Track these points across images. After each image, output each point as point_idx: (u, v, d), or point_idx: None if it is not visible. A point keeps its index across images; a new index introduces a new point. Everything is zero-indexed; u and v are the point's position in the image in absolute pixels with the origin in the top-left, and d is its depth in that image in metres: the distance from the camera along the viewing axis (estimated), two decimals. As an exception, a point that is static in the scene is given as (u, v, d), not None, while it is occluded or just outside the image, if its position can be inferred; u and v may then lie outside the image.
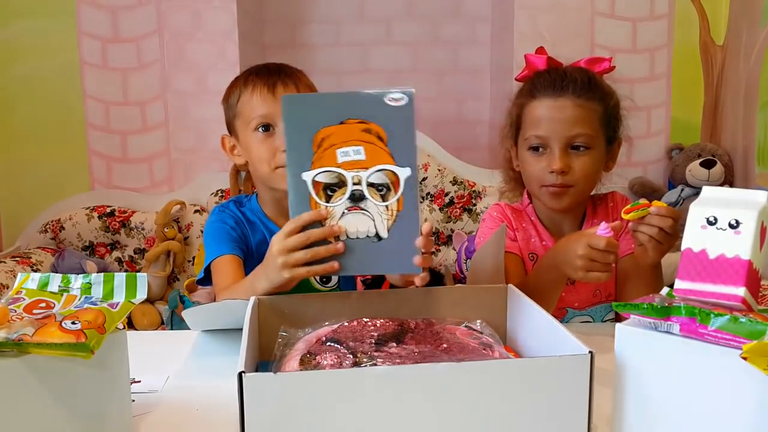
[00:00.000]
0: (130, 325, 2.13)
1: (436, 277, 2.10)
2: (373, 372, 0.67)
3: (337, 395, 0.64)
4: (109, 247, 2.37)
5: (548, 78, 1.20)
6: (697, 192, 2.19)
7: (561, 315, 1.25)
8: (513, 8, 2.33)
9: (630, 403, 0.68)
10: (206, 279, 1.25)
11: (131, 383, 0.79)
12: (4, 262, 2.08)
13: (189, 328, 1.11)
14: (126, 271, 2.31)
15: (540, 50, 1.28)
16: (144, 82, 2.39)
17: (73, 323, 0.65)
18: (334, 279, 1.24)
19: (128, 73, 2.39)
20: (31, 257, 2.18)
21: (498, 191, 1.40)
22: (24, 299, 0.71)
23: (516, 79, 1.30)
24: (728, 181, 2.29)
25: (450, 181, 2.37)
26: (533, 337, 0.85)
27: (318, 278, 1.21)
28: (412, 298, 0.91)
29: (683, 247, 0.68)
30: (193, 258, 2.33)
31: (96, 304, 0.71)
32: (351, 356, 0.72)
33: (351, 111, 0.88)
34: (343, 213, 0.88)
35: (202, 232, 2.25)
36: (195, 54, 2.37)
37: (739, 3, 2.29)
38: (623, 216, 0.98)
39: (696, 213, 0.68)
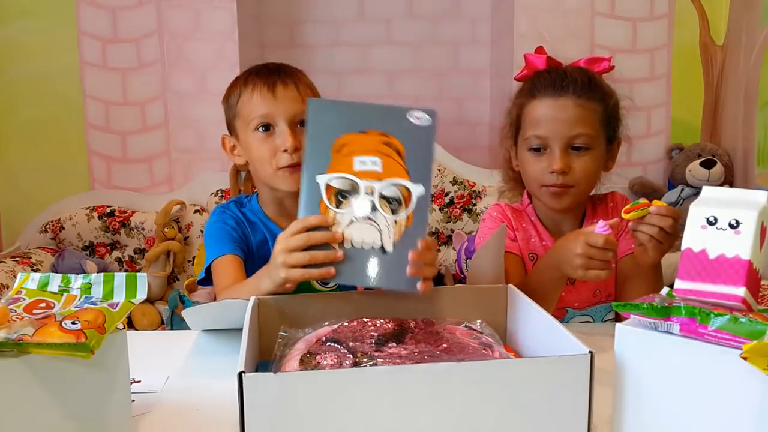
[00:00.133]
0: (130, 325, 2.14)
1: (436, 277, 2.10)
2: (373, 372, 0.67)
3: (337, 395, 0.64)
4: (109, 247, 2.37)
5: (548, 78, 1.20)
6: (697, 192, 2.19)
7: (561, 315, 1.25)
8: (513, 8, 2.33)
9: (630, 403, 0.68)
10: (207, 279, 1.25)
11: (131, 383, 0.79)
12: (4, 262, 2.08)
13: (189, 328, 1.11)
14: (126, 271, 2.31)
15: (539, 50, 1.28)
16: (144, 82, 2.39)
17: (73, 323, 0.65)
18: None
19: (128, 73, 2.39)
20: (31, 257, 2.18)
21: (497, 191, 1.40)
22: (24, 299, 0.71)
23: (515, 79, 1.30)
24: (728, 181, 2.29)
25: (450, 181, 2.38)
26: (533, 337, 0.85)
27: (318, 281, 1.21)
28: (412, 298, 0.90)
29: (683, 247, 0.68)
30: (193, 258, 2.34)
31: (96, 304, 0.71)
32: (351, 356, 0.72)
33: (374, 122, 0.89)
34: (351, 221, 0.88)
35: (202, 232, 2.25)
36: (195, 54, 2.37)
37: (739, 3, 2.29)
38: (623, 216, 0.98)
39: (696, 213, 0.68)
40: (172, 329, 2.07)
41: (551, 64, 1.23)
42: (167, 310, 2.13)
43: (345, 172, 0.88)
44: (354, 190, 0.88)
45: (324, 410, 0.64)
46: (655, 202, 0.99)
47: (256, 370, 0.73)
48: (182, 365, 1.00)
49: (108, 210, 2.36)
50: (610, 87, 1.23)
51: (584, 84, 1.18)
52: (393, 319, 0.81)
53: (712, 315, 0.62)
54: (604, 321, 1.27)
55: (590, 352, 0.66)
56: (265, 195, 1.30)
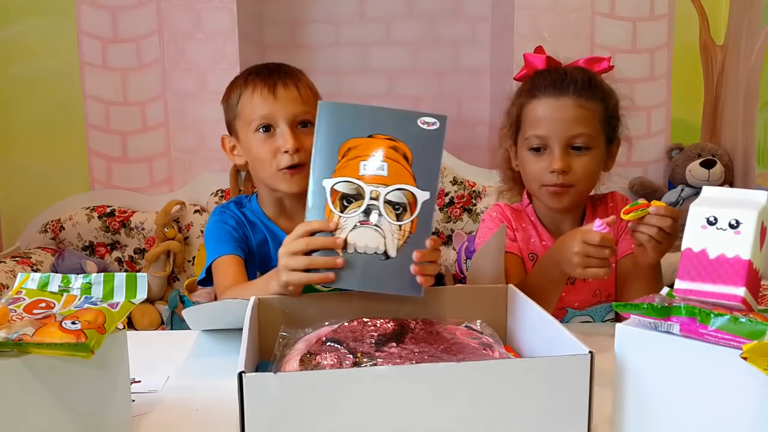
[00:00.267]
0: (130, 325, 2.14)
1: (436, 277, 2.10)
2: (373, 372, 0.67)
3: (337, 395, 0.64)
4: (109, 247, 2.37)
5: (549, 78, 1.20)
6: (697, 192, 2.19)
7: (561, 315, 1.25)
8: (513, 8, 2.34)
9: (630, 403, 0.68)
10: (207, 279, 1.25)
11: (131, 383, 0.79)
12: (4, 262, 2.08)
13: (189, 328, 1.11)
14: (126, 271, 2.31)
15: (538, 49, 1.28)
16: (144, 82, 2.39)
17: (73, 323, 0.65)
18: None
19: (128, 73, 2.39)
20: (31, 257, 2.18)
21: (496, 191, 1.40)
22: (24, 299, 0.71)
23: (515, 79, 1.29)
24: (728, 181, 2.29)
25: (450, 181, 2.38)
26: (533, 337, 0.85)
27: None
28: (412, 298, 0.90)
29: (683, 247, 0.68)
30: (193, 258, 2.34)
31: (96, 304, 0.71)
32: (351, 356, 0.72)
33: (382, 126, 0.88)
34: (355, 226, 0.87)
35: (202, 232, 2.25)
36: (195, 54, 2.37)
37: (739, 3, 2.29)
38: (623, 216, 0.98)
39: (696, 213, 0.68)
40: (172, 329, 2.07)
41: (551, 63, 1.23)
42: (167, 310, 2.13)
43: (350, 176, 0.87)
44: (359, 194, 0.87)
45: (324, 410, 0.64)
46: (655, 202, 0.99)
47: (256, 370, 0.73)
48: (182, 365, 0.99)
49: (108, 210, 2.36)
50: (610, 87, 1.23)
51: (584, 84, 1.18)
52: (393, 319, 0.81)
53: (712, 315, 0.62)
54: (604, 321, 1.27)
55: (590, 352, 0.66)
56: (265, 195, 1.30)
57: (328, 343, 0.75)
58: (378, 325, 0.79)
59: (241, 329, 0.76)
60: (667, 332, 0.65)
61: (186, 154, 2.43)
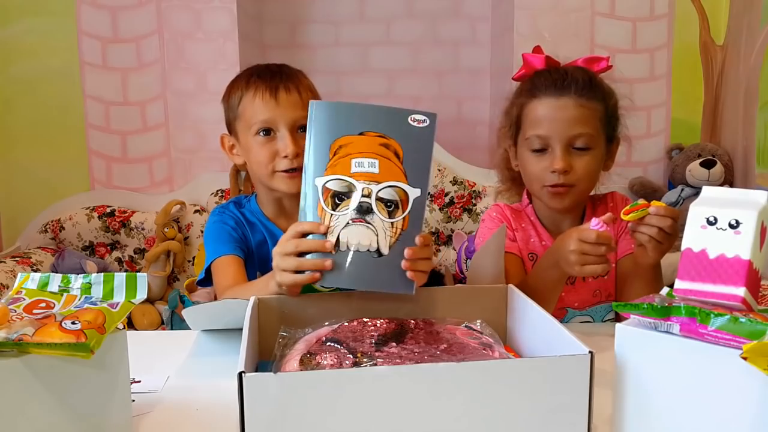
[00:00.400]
0: (130, 325, 2.14)
1: (436, 277, 2.10)
2: (373, 372, 0.67)
3: (337, 395, 0.64)
4: (109, 247, 2.37)
5: (549, 77, 1.20)
6: (697, 192, 2.19)
7: (561, 315, 1.25)
8: (513, 8, 2.34)
9: (630, 403, 0.68)
10: (207, 280, 1.25)
11: (131, 383, 0.79)
12: (4, 262, 2.08)
13: (189, 328, 1.11)
14: (126, 271, 2.31)
15: (537, 49, 1.28)
16: (144, 82, 2.39)
17: (73, 323, 0.65)
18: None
19: (128, 73, 2.39)
20: (31, 257, 2.18)
21: (494, 192, 1.40)
22: (24, 299, 0.71)
23: (513, 79, 1.29)
24: (728, 181, 2.29)
25: (450, 181, 2.38)
26: (533, 337, 0.85)
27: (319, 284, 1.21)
28: (412, 298, 0.90)
29: (683, 247, 0.68)
30: (193, 258, 2.34)
31: (96, 304, 0.71)
32: (351, 356, 0.72)
33: (373, 124, 0.88)
34: (348, 223, 0.87)
35: (202, 232, 2.25)
36: (195, 54, 2.37)
37: (739, 3, 2.29)
38: (622, 217, 0.98)
39: (696, 213, 0.68)
40: (172, 329, 2.07)
41: (550, 63, 1.23)
42: (167, 310, 2.13)
43: (342, 174, 0.87)
44: (351, 192, 0.87)
45: (324, 410, 0.64)
46: (654, 202, 0.99)
47: (256, 370, 0.73)
48: (182, 365, 1.00)
49: (108, 210, 2.36)
50: (609, 87, 1.23)
51: (585, 84, 1.18)
52: (393, 319, 0.81)
53: (712, 315, 0.62)
54: (604, 321, 1.27)
55: (590, 352, 0.66)
56: (264, 195, 1.30)
57: (328, 343, 0.75)
58: (378, 325, 0.79)
59: (241, 329, 0.76)
60: (667, 332, 0.65)
61: (186, 154, 2.43)
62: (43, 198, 2.38)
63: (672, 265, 0.81)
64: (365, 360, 0.71)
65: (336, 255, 0.87)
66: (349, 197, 0.87)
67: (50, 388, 0.66)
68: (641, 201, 0.99)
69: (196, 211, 2.36)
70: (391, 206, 0.87)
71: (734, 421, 0.61)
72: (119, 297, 0.75)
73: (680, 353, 0.64)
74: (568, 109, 1.16)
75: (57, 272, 1.12)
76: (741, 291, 0.65)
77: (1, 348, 0.63)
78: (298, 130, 1.21)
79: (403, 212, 0.87)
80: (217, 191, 2.36)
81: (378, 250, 0.86)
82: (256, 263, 1.25)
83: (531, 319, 0.86)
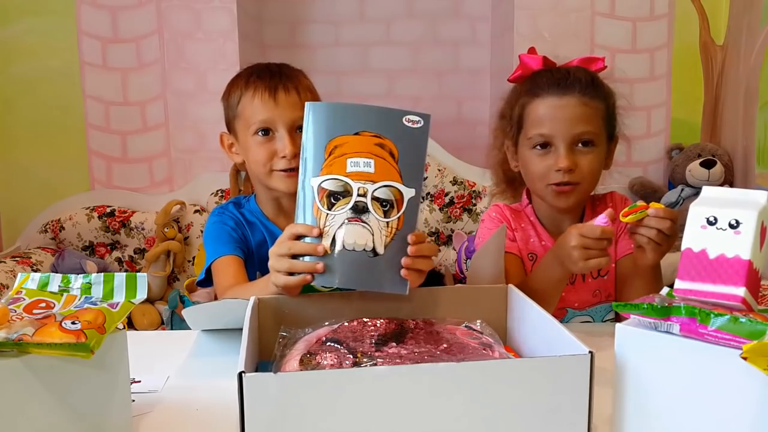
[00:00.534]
0: (130, 325, 2.14)
1: (436, 277, 2.10)
2: (373, 372, 0.67)
3: (337, 395, 0.64)
4: (109, 247, 2.37)
5: (552, 77, 1.20)
6: (697, 192, 2.19)
7: (561, 315, 1.25)
8: (513, 8, 2.33)
9: (630, 403, 0.68)
10: (207, 280, 1.25)
11: (131, 383, 0.79)
12: (4, 262, 2.08)
13: (189, 328, 1.11)
14: (126, 271, 2.31)
15: (531, 50, 1.28)
16: (144, 82, 2.39)
17: (73, 323, 0.65)
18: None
19: (128, 73, 2.39)
20: (31, 257, 2.18)
21: (489, 194, 1.40)
22: (24, 299, 0.71)
23: (509, 80, 1.29)
24: (728, 181, 2.29)
25: (450, 181, 2.38)
26: (533, 337, 0.85)
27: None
28: (412, 298, 0.90)
29: (683, 247, 0.68)
30: (193, 258, 2.34)
31: (96, 304, 0.71)
32: (351, 356, 0.72)
33: (368, 124, 0.88)
34: (344, 223, 0.87)
35: (202, 232, 2.25)
36: (195, 54, 2.37)
37: (739, 3, 2.29)
38: (621, 219, 0.98)
39: (696, 213, 0.68)
40: (172, 329, 2.07)
41: (547, 64, 1.23)
42: (167, 310, 2.13)
43: (337, 173, 0.87)
44: (347, 191, 0.87)
45: (324, 410, 0.64)
46: (653, 204, 0.99)
47: (256, 370, 0.73)
48: (182, 365, 1.00)
49: (108, 210, 2.36)
50: (608, 86, 1.24)
51: (588, 82, 1.18)
52: (393, 319, 0.81)
53: (712, 315, 0.62)
54: (604, 321, 1.27)
55: (590, 352, 0.66)
56: (263, 195, 1.30)
57: (328, 343, 0.75)
58: (378, 325, 0.79)
59: (241, 329, 0.76)
60: (667, 332, 0.65)
61: (186, 154, 2.43)
62: (43, 198, 2.38)
63: (672, 265, 0.81)
64: (365, 360, 0.71)
65: (331, 254, 0.86)
66: (344, 197, 0.87)
67: (50, 388, 0.66)
68: (640, 203, 0.99)
69: (196, 211, 2.36)
70: (386, 206, 0.87)
71: (734, 421, 0.61)
72: (119, 297, 0.75)
73: (680, 353, 0.64)
74: (572, 107, 1.16)
75: (57, 272, 1.12)
76: (741, 291, 0.65)
77: (1, 348, 0.63)
78: (297, 130, 1.21)
79: (398, 212, 0.87)
80: (217, 191, 2.36)
81: (374, 250, 0.86)
82: (256, 263, 1.25)
83: (531, 319, 0.86)
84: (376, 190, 0.87)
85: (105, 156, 2.44)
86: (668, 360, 0.65)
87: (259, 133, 1.22)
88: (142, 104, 2.41)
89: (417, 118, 0.89)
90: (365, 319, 0.80)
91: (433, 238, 2.36)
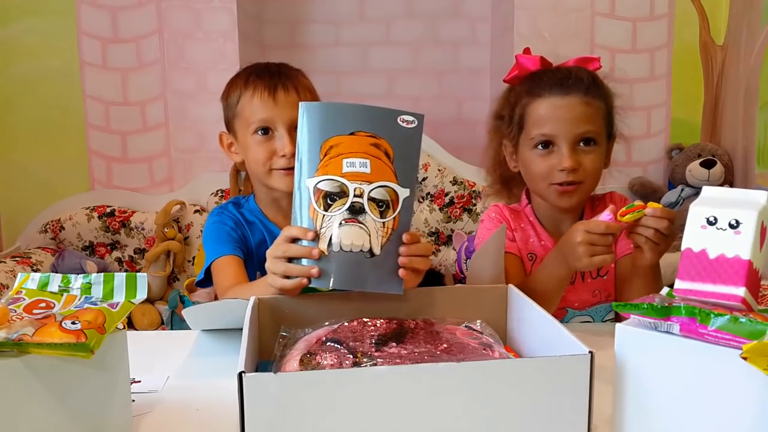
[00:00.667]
0: (130, 325, 2.14)
1: (435, 277, 2.10)
2: (373, 372, 0.67)
3: (337, 395, 0.64)
4: (109, 247, 2.37)
5: (553, 77, 1.20)
6: (697, 192, 2.19)
7: (561, 315, 1.25)
8: (513, 8, 2.34)
9: (630, 403, 0.68)
10: (206, 280, 1.25)
11: (131, 383, 0.79)
12: (4, 262, 2.08)
13: (189, 328, 1.11)
14: (126, 271, 2.31)
15: (527, 51, 1.28)
16: (144, 82, 2.39)
17: (73, 323, 0.65)
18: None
19: (128, 73, 2.39)
20: (31, 257, 2.18)
21: (484, 196, 1.40)
22: (24, 299, 0.71)
23: (504, 81, 1.29)
24: (728, 181, 2.29)
25: (450, 181, 2.38)
26: (533, 337, 0.85)
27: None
28: (412, 298, 0.90)
29: (683, 247, 0.68)
30: (193, 258, 2.34)
31: (96, 304, 0.71)
32: (351, 356, 0.72)
33: (363, 124, 0.88)
34: (340, 223, 0.87)
35: (202, 232, 2.25)
36: (195, 54, 2.37)
37: (739, 3, 2.29)
38: (619, 218, 0.98)
39: (696, 213, 0.68)
40: (172, 329, 2.07)
41: (545, 64, 1.23)
42: (167, 310, 2.13)
43: (333, 174, 0.87)
44: (343, 192, 0.87)
45: (324, 410, 0.64)
46: (651, 204, 0.99)
47: (256, 370, 0.73)
48: (182, 365, 0.99)
49: (108, 210, 2.36)
50: (607, 86, 1.24)
51: (589, 82, 1.18)
52: (393, 319, 0.81)
53: (712, 315, 0.62)
54: (604, 321, 1.27)
55: (590, 352, 0.66)
56: (262, 194, 1.30)
57: (328, 343, 0.75)
58: (378, 325, 0.79)
59: (241, 329, 0.76)
60: (667, 332, 0.65)
61: (186, 154, 2.44)
62: (43, 198, 2.38)
63: (672, 265, 0.81)
64: (365, 360, 0.71)
65: (328, 255, 0.86)
66: (341, 197, 0.87)
67: (50, 388, 0.66)
68: (638, 202, 0.99)
69: (196, 211, 2.36)
70: (382, 206, 0.87)
71: (734, 421, 0.61)
72: (119, 297, 0.75)
73: (680, 353, 0.64)
74: (575, 107, 1.16)
75: (57, 272, 1.12)
76: (741, 291, 0.65)
77: (1, 348, 0.63)
78: (296, 129, 1.21)
79: (394, 212, 0.87)
80: (217, 191, 2.36)
81: (370, 250, 0.86)
82: (256, 263, 1.25)
83: (531, 319, 0.85)
84: (372, 190, 0.87)
85: (105, 156, 2.44)
86: (668, 360, 0.65)
87: (259, 133, 1.22)
88: (142, 104, 2.41)
89: (411, 118, 0.89)
90: (365, 319, 0.80)
91: (433, 238, 2.36)
